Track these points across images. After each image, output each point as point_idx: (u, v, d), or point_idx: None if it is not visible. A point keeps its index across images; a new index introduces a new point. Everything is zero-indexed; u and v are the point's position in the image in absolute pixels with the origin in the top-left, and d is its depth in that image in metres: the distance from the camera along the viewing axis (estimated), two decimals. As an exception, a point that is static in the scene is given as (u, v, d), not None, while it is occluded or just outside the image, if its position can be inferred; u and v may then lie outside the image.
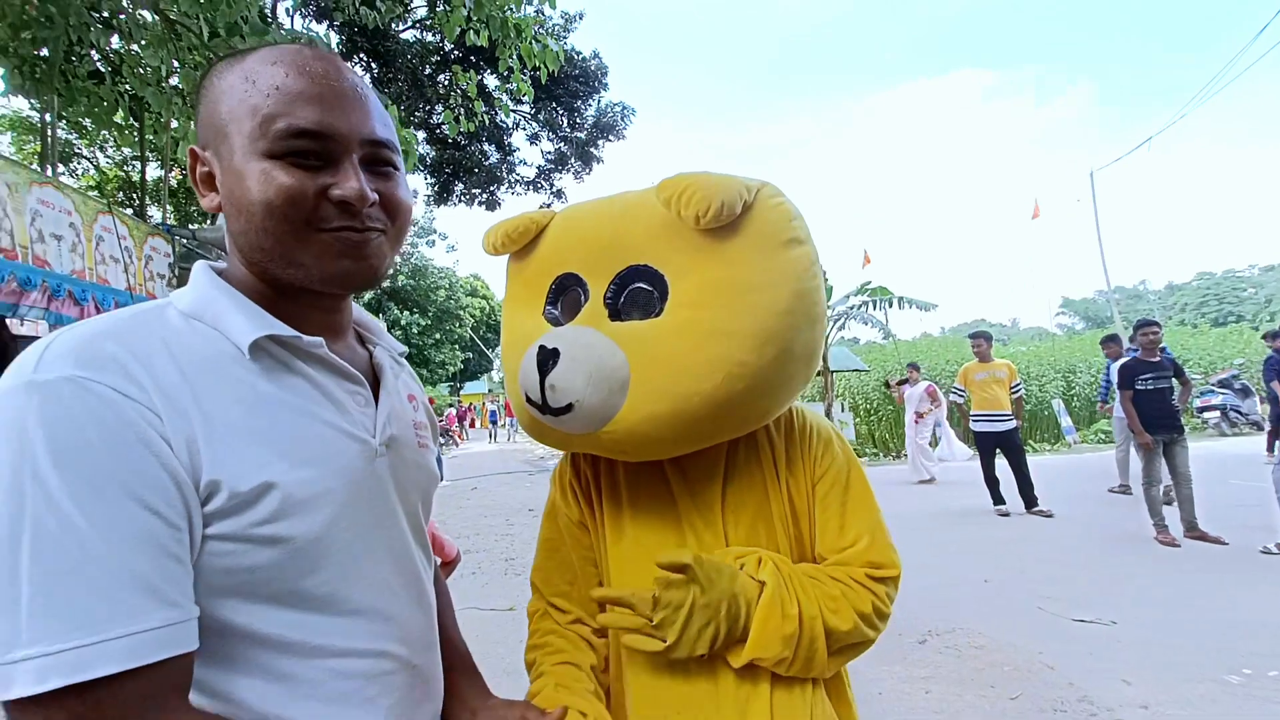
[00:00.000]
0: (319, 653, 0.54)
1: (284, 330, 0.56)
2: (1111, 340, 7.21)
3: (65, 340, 0.48)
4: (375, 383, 0.66)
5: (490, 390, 32.00)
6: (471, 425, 23.88)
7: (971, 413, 6.39)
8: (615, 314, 0.75)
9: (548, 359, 0.70)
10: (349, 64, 0.61)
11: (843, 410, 13.25)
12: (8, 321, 5.67)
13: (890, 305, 12.17)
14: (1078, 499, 6.64)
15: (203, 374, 0.51)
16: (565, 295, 0.79)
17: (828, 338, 12.43)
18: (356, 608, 0.57)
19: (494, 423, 23.48)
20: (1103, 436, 12.88)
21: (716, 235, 0.71)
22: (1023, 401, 6.33)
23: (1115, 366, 6.70)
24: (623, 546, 0.82)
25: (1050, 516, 5.85)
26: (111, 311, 0.55)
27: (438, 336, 27.92)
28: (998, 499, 6.13)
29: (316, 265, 0.57)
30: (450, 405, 25.27)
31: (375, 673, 0.58)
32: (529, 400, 0.74)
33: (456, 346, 29.46)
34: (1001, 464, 6.17)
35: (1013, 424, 6.09)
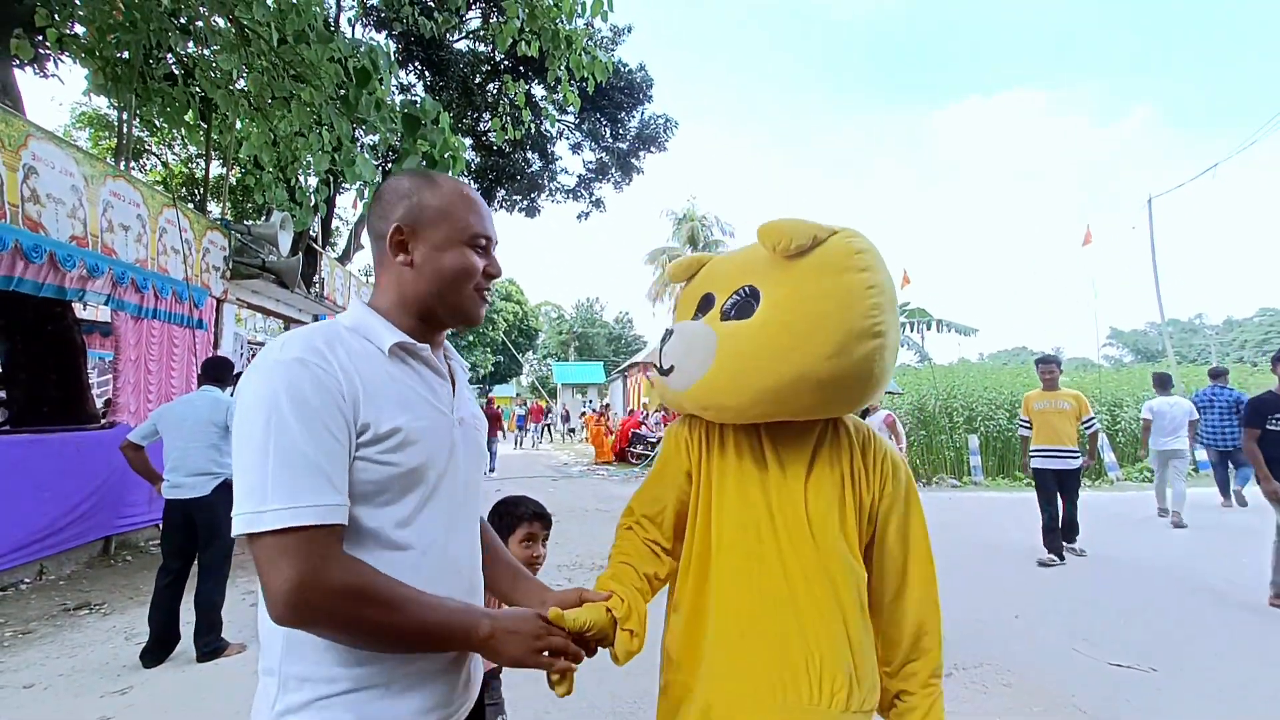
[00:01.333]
0: (398, 547, 0.81)
1: (406, 339, 0.88)
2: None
3: (293, 338, 0.80)
4: (452, 383, 0.98)
5: (518, 394, 32.38)
6: (504, 431, 21.86)
7: (1032, 447, 5.64)
8: (725, 316, 1.04)
9: (667, 337, 1.07)
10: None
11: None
12: (73, 305, 6.01)
13: (928, 328, 11.92)
14: (1119, 538, 6.36)
15: (361, 362, 0.82)
16: (704, 308, 1.09)
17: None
18: (431, 521, 0.85)
19: (520, 428, 22.03)
20: (1147, 474, 12.32)
21: (796, 261, 0.97)
22: (1096, 439, 5.69)
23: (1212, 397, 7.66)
24: (724, 492, 1.05)
25: (1082, 555, 5.49)
26: (314, 324, 0.86)
27: (470, 339, 28.43)
28: (1051, 545, 5.31)
29: (465, 312, 0.93)
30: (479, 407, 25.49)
31: (439, 568, 0.85)
32: (654, 365, 1.09)
33: (488, 349, 29.93)
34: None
35: (1076, 462, 5.42)
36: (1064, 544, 5.42)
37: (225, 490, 3.24)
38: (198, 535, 3.27)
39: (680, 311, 1.16)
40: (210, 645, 3.22)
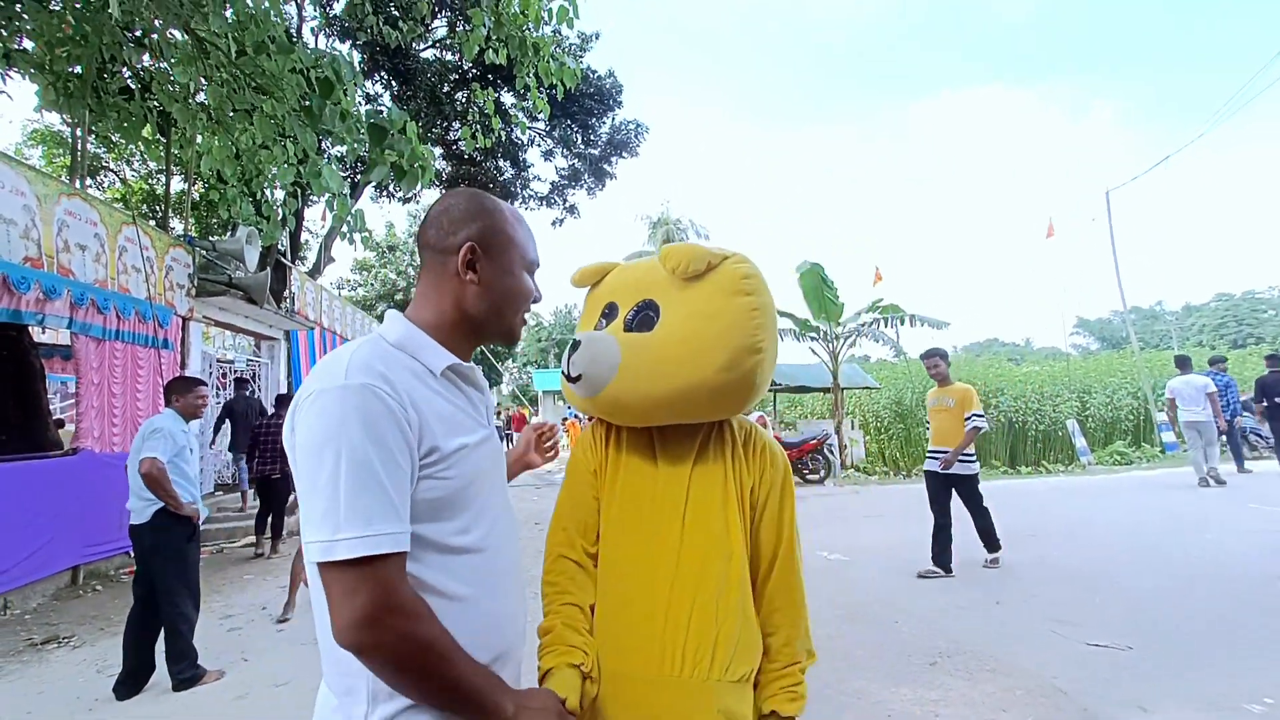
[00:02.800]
0: (462, 551, 0.85)
1: (456, 361, 0.90)
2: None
3: (355, 361, 0.79)
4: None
5: (499, 403, 32.16)
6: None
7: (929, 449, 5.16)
8: (629, 327, 1.13)
9: (575, 346, 1.12)
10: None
11: (853, 428, 13.16)
12: (30, 329, 5.80)
13: (902, 323, 12.12)
14: (1090, 521, 6.54)
15: (416, 385, 0.83)
16: (609, 315, 1.18)
17: (838, 355, 12.39)
18: (490, 525, 0.90)
19: (502, 437, 21.63)
20: (1117, 458, 12.68)
21: (692, 282, 1.09)
22: (975, 435, 4.76)
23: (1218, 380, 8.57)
24: (615, 492, 1.14)
25: (993, 566, 4.86)
26: (356, 342, 0.85)
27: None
28: (937, 556, 4.74)
29: (514, 332, 0.99)
30: None
31: (494, 568, 0.89)
32: (563, 372, 1.14)
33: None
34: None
35: (966, 466, 4.82)
36: (988, 551, 4.92)
37: (163, 515, 3.12)
38: (143, 562, 3.18)
39: (586, 315, 1.26)
40: (183, 673, 3.12)
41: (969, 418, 4.79)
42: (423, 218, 1.08)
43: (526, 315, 1.01)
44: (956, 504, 4.89)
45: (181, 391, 3.36)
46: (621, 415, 1.14)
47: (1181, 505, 7.14)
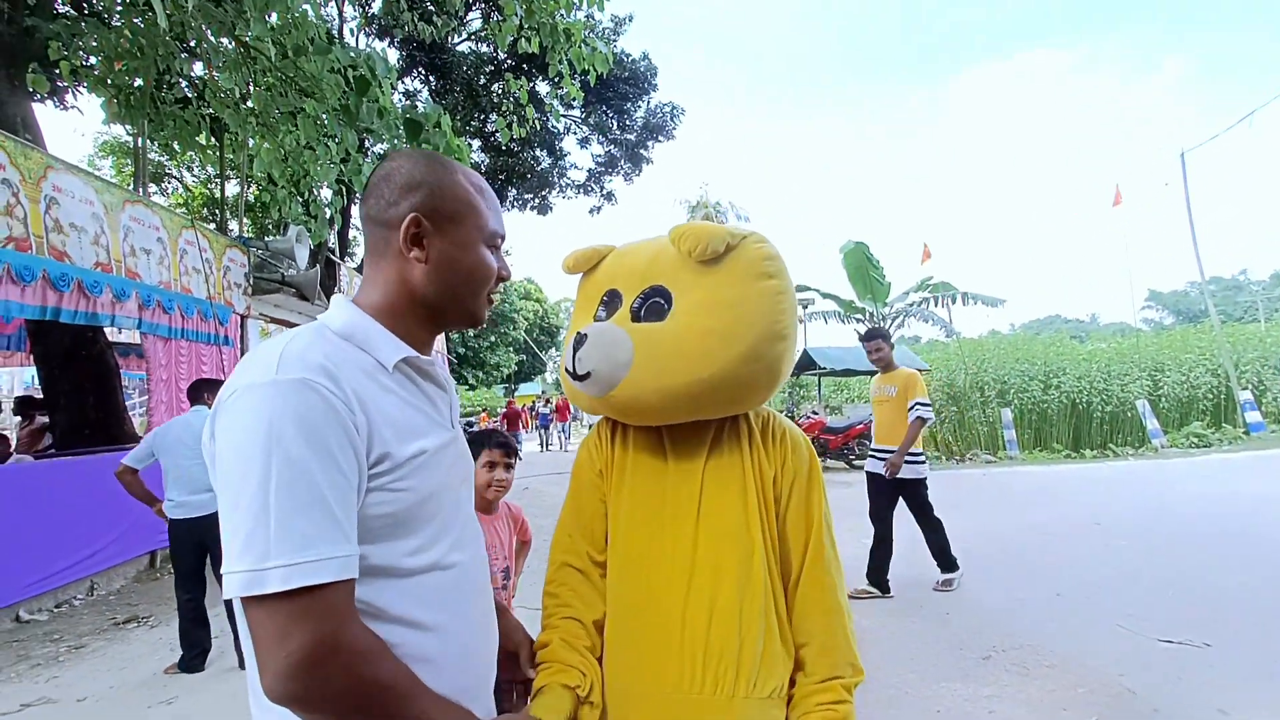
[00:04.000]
0: (420, 572, 0.73)
1: (413, 354, 0.78)
2: None
3: (289, 352, 0.67)
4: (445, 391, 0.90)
5: (543, 392, 32.68)
6: (524, 427, 20.19)
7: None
8: (636, 317, 1.02)
9: (580, 341, 1.00)
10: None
11: (902, 411, 12.74)
12: (105, 330, 6.20)
13: (954, 301, 11.63)
14: (1166, 508, 6.14)
15: (365, 381, 0.71)
16: (610, 305, 1.07)
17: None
18: (449, 540, 0.78)
19: (544, 427, 19.06)
20: (1194, 441, 11.87)
21: (708, 266, 0.99)
22: (921, 426, 3.95)
23: None
24: (623, 493, 1.06)
25: (947, 589, 4.06)
26: (293, 331, 0.73)
27: (492, 339, 28.68)
28: (873, 574, 4.03)
29: (476, 314, 0.84)
30: (502, 407, 25.17)
31: (460, 588, 0.78)
32: (567, 370, 1.02)
33: (510, 349, 30.20)
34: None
35: (913, 469, 3.99)
36: (941, 570, 4.17)
37: None
38: (209, 552, 3.33)
39: (581, 305, 1.14)
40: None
41: (913, 407, 3.93)
42: (364, 187, 0.91)
43: (495, 295, 0.87)
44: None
45: (212, 390, 3.57)
46: (636, 414, 1.03)
47: (1273, 491, 6.61)
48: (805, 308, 13.25)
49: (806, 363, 14.11)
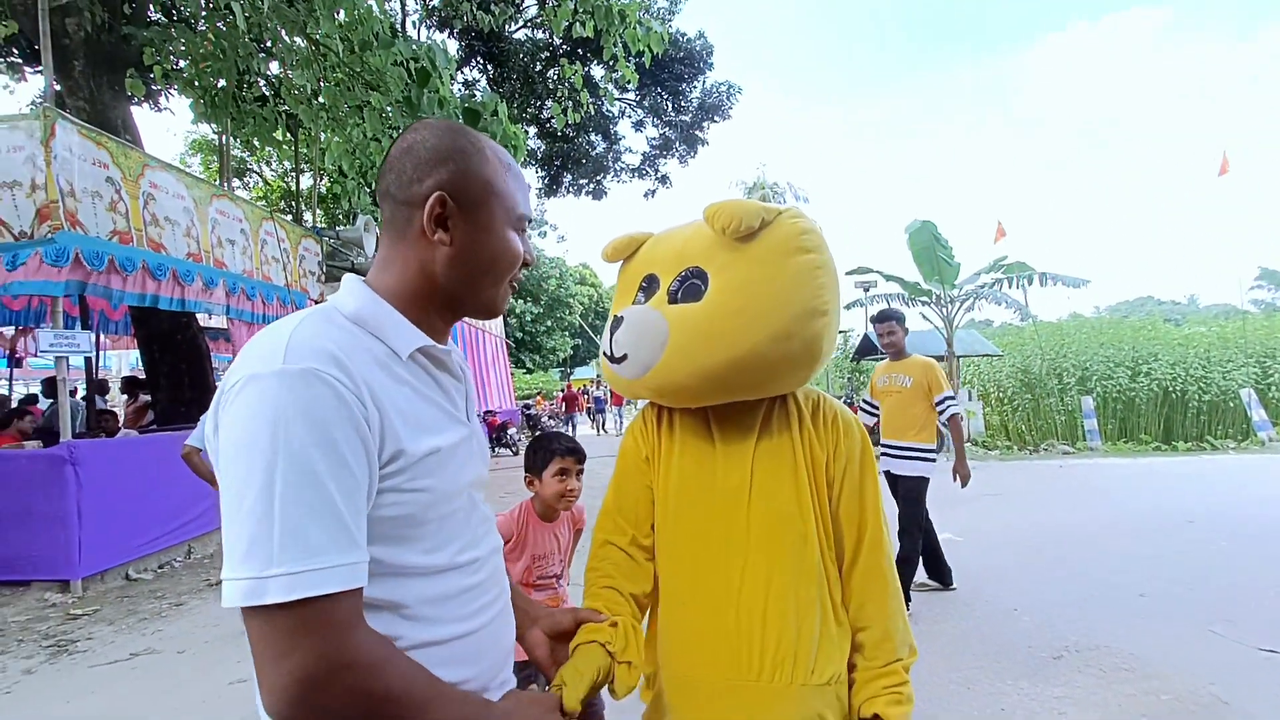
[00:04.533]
0: (433, 572, 0.70)
1: (429, 343, 0.74)
2: None
3: (297, 338, 0.62)
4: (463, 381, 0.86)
5: (597, 376, 33.15)
6: (580, 409, 20.39)
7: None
8: (673, 299, 1.01)
9: (617, 324, 1.01)
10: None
11: (970, 399, 12.14)
12: (197, 316, 6.71)
13: (1030, 283, 10.90)
14: (1271, 504, 5.60)
15: (377, 371, 0.66)
16: (648, 289, 1.07)
17: (953, 321, 11.41)
18: (463, 538, 0.74)
19: (600, 410, 19.69)
20: (1310, 434, 10.74)
21: (744, 243, 0.97)
22: (959, 425, 3.65)
23: None
24: (670, 478, 1.05)
25: (923, 588, 3.80)
26: (300, 314, 0.68)
27: (549, 324, 29.19)
28: (929, 567, 3.82)
29: (497, 302, 0.79)
30: (559, 390, 25.82)
31: (472, 580, 0.74)
32: (604, 353, 1.04)
33: (566, 333, 30.67)
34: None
35: (917, 464, 3.57)
36: (923, 580, 3.82)
37: None
38: None
39: (621, 292, 1.14)
40: None
41: (942, 404, 3.54)
42: (382, 160, 0.86)
43: (516, 282, 0.81)
44: (941, 504, 3.85)
45: None
46: (672, 396, 1.03)
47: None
48: (866, 290, 12.75)
49: (868, 347, 13.58)
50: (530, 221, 0.82)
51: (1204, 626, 3.13)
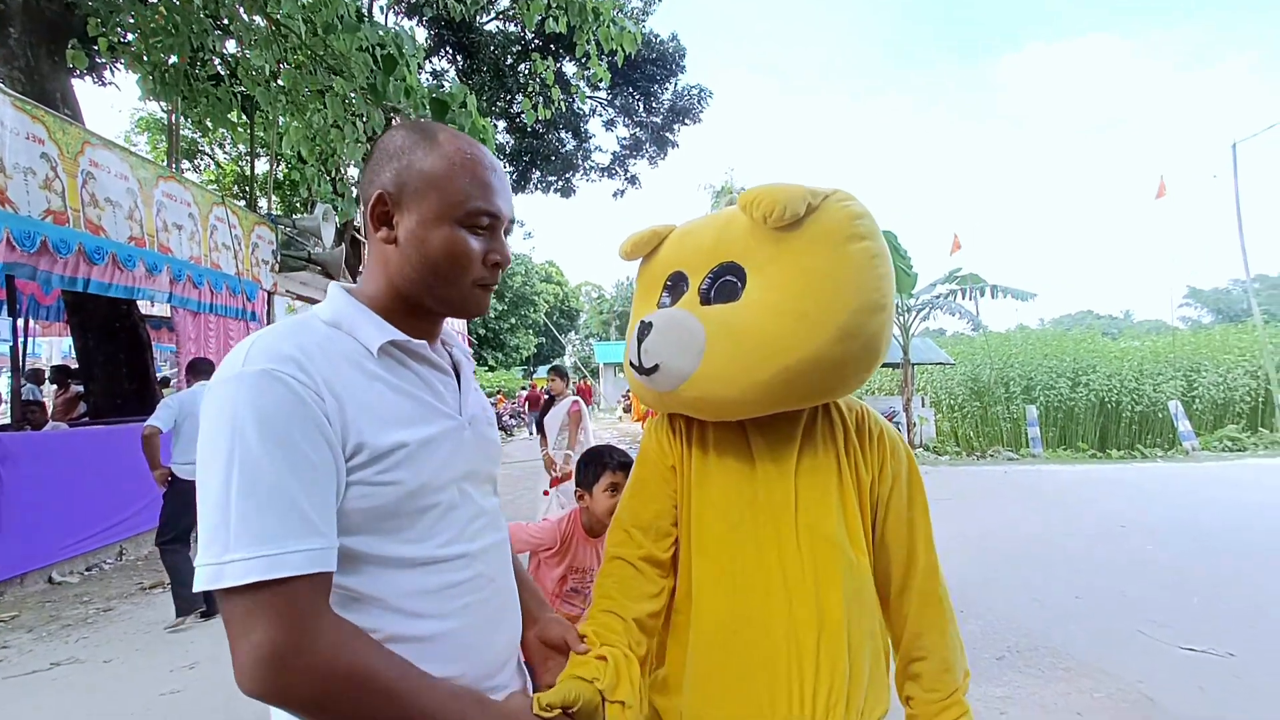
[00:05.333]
0: (420, 563, 0.70)
1: (400, 336, 0.73)
2: None
3: (259, 344, 0.66)
4: (457, 377, 0.85)
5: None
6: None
7: None
8: (706, 300, 0.91)
9: (645, 330, 0.90)
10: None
11: (923, 405, 12.55)
12: (138, 303, 6.36)
13: (982, 294, 11.34)
14: (1193, 513, 5.97)
15: (346, 368, 0.68)
16: (675, 289, 0.96)
17: (909, 329, 11.78)
18: (452, 533, 0.73)
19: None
20: (1228, 444, 11.50)
21: (788, 232, 0.85)
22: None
23: None
24: (704, 496, 0.94)
25: None
26: (283, 321, 0.71)
27: (513, 321, 28.87)
28: None
29: (462, 304, 0.76)
30: (522, 388, 25.50)
31: (464, 574, 0.74)
32: (631, 364, 0.94)
33: (530, 331, 30.38)
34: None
35: None
36: None
37: None
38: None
39: (642, 293, 1.02)
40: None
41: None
42: None
43: (486, 285, 0.77)
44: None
45: (208, 372, 3.77)
46: (712, 410, 0.91)
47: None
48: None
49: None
50: (496, 218, 0.76)
51: (1134, 628, 3.31)
